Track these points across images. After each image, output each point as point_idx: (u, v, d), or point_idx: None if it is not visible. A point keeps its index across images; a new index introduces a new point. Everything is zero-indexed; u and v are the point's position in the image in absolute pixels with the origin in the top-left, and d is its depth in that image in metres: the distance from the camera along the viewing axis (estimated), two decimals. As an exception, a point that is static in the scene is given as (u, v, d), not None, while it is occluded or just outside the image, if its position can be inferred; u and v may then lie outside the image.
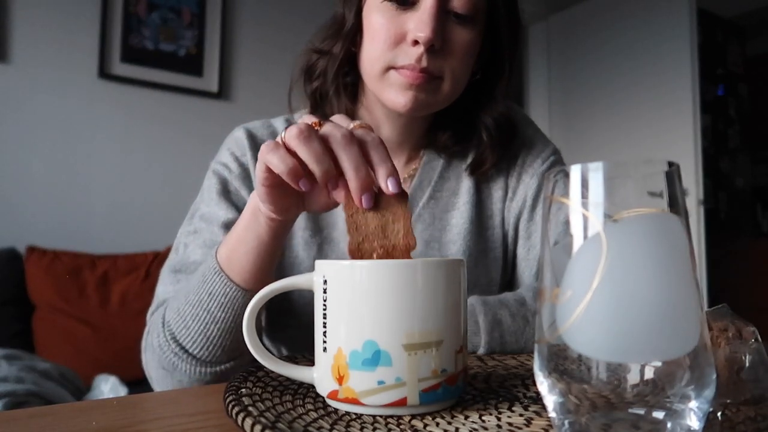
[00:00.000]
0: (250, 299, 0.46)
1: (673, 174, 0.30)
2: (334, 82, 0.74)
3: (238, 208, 0.72)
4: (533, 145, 0.82)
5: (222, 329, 0.58)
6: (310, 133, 0.45)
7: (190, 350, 0.59)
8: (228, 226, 0.69)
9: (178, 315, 0.60)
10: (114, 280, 1.94)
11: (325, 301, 0.42)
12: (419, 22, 0.65)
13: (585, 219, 0.30)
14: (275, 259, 0.58)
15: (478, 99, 0.78)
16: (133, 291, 1.95)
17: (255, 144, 0.77)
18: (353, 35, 0.72)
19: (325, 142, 0.46)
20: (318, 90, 0.76)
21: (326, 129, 0.47)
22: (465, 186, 0.79)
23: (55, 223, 2.08)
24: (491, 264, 0.80)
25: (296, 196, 0.52)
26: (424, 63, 0.66)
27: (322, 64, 0.75)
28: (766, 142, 3.97)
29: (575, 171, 0.30)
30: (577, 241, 0.30)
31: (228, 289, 0.57)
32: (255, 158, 0.75)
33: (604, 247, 0.29)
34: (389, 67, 0.68)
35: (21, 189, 2.04)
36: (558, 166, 0.81)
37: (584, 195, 0.30)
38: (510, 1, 0.73)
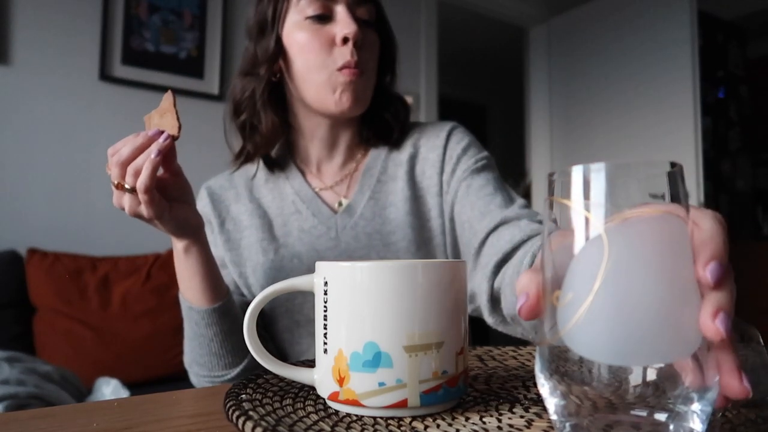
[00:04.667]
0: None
1: (675, 175, 0.30)
2: (261, 98, 0.83)
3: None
4: (456, 141, 0.89)
5: (219, 341, 0.75)
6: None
7: (213, 373, 0.77)
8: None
9: (189, 353, 0.79)
10: (115, 282, 1.94)
11: (325, 302, 0.42)
12: (343, 24, 0.78)
13: (586, 220, 0.30)
14: (211, 271, 0.72)
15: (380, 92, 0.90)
16: (134, 293, 1.94)
17: (212, 193, 0.91)
18: (275, 60, 0.82)
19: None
20: (246, 122, 0.86)
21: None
22: (400, 185, 0.87)
23: (55, 225, 2.07)
24: (435, 250, 0.86)
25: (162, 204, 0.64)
26: (355, 56, 0.78)
27: (249, 88, 0.84)
28: (767, 144, 3.97)
29: (577, 172, 0.30)
30: (579, 242, 0.30)
31: (196, 314, 0.73)
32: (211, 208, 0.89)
33: (605, 248, 0.29)
34: (332, 71, 0.79)
35: (22, 191, 2.04)
36: (458, 130, 0.90)
37: (585, 196, 0.30)
38: (384, 15, 0.88)
